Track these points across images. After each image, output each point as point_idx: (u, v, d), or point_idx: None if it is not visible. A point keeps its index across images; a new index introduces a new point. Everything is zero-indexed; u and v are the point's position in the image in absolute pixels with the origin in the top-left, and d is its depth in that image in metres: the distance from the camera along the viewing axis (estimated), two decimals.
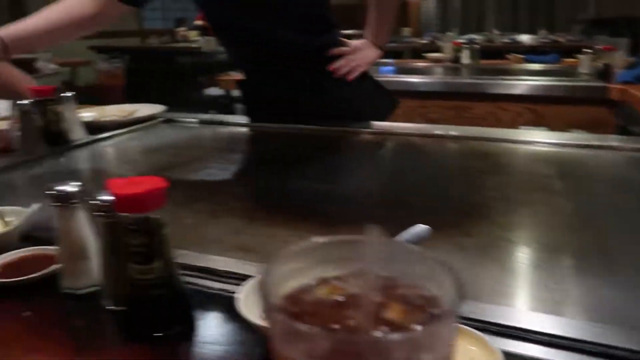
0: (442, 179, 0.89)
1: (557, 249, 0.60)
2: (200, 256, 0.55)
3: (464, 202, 0.75)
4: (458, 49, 3.01)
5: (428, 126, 1.20)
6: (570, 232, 0.65)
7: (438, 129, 1.14)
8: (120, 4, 1.20)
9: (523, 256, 0.59)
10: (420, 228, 0.47)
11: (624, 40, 2.50)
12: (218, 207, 0.73)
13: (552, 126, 2.05)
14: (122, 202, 0.40)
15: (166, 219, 0.42)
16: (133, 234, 0.41)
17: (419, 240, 0.47)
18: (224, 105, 3.23)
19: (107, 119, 1.31)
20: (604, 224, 0.67)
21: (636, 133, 2.36)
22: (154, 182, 0.40)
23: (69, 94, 1.10)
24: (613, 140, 1.04)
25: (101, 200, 0.43)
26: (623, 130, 2.52)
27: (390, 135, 1.17)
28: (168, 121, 1.38)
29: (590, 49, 2.44)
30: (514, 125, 2.10)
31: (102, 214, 0.43)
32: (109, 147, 1.15)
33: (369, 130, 1.20)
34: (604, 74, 2.10)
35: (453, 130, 1.10)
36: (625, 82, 1.92)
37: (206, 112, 3.08)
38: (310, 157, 1.09)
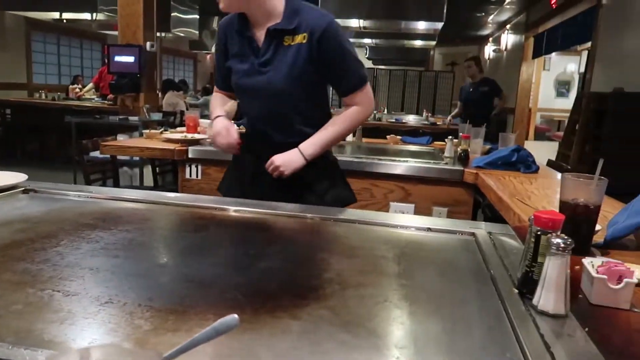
0: (290, 261, 0.95)
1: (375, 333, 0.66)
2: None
3: (301, 286, 0.81)
4: None
5: (287, 205, 1.28)
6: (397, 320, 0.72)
7: (297, 210, 1.21)
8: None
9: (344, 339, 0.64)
10: (230, 318, 0.51)
11: (482, 130, 2.86)
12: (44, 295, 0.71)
13: (419, 203, 2.24)
14: None
15: None
16: None
17: (227, 329, 0.50)
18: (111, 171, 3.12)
19: None
20: (422, 310, 0.75)
21: (489, 210, 2.65)
22: None
23: None
24: (449, 224, 1.18)
25: None
26: (483, 207, 2.82)
27: (256, 214, 1.22)
28: (27, 191, 1.32)
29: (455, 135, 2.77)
30: (385, 200, 2.27)
31: None
32: None
33: (237, 208, 1.24)
34: (463, 159, 2.37)
35: (309, 212, 1.18)
36: (478, 167, 2.19)
37: (89, 177, 2.95)
38: (171, 236, 1.10)
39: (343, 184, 1.60)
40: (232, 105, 1.68)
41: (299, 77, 1.39)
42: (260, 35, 1.41)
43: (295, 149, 1.42)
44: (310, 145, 1.43)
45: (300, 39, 1.37)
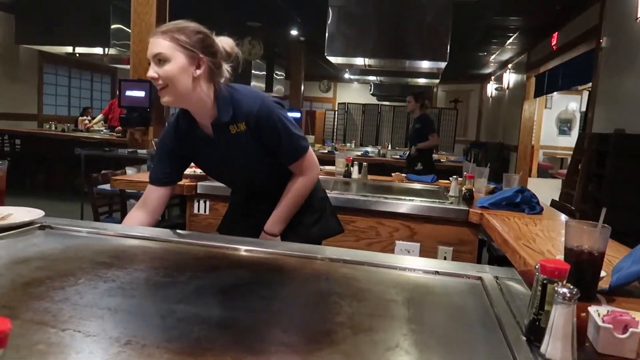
0: (302, 304, 0.97)
1: None
2: None
3: (314, 329, 0.83)
4: (349, 164, 3.29)
5: (296, 245, 1.30)
6: None
7: (307, 250, 1.24)
8: (158, 187, 1.55)
9: None
10: None
11: (486, 170, 2.90)
12: (66, 336, 0.74)
13: (424, 242, 2.26)
14: None
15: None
16: None
17: None
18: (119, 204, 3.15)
19: None
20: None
21: (494, 249, 2.66)
22: None
23: None
24: (456, 267, 1.20)
25: None
26: (488, 247, 2.83)
27: (266, 254, 1.25)
28: (44, 227, 1.35)
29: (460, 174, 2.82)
30: (391, 239, 2.29)
31: None
32: None
33: (248, 248, 1.27)
34: (467, 198, 2.40)
35: (319, 253, 1.21)
36: (483, 207, 2.21)
37: (97, 210, 2.99)
38: (185, 276, 1.12)
39: (332, 217, 1.75)
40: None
41: (256, 155, 1.52)
42: (208, 130, 1.49)
43: (264, 235, 1.59)
44: (274, 225, 1.59)
45: (242, 126, 1.46)
